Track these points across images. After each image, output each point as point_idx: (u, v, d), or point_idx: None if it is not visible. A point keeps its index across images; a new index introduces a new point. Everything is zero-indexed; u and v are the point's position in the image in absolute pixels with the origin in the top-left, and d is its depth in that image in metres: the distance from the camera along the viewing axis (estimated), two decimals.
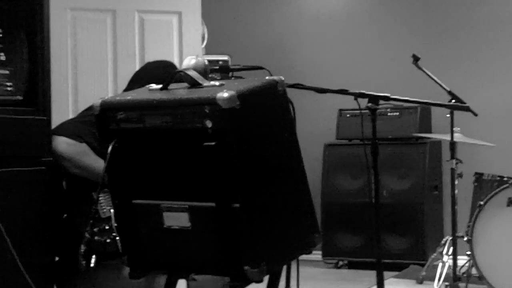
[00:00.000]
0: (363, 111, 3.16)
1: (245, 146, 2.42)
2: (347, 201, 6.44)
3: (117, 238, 3.03)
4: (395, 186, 6.30)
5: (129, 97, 2.61)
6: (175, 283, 2.76)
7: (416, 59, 4.84)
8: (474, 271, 4.78)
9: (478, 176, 5.20)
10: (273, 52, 7.07)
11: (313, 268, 6.30)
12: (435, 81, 4.83)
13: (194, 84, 2.60)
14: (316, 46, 7.18)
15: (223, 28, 7.10)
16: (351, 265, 6.48)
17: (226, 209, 2.41)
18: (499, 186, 4.78)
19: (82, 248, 2.67)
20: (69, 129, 3.22)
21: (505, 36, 6.54)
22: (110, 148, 2.57)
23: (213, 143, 2.38)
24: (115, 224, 3.02)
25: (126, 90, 3.35)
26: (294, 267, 2.97)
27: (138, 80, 3.39)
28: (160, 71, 3.41)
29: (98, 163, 3.05)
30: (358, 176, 6.42)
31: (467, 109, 4.00)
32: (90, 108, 2.97)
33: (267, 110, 2.56)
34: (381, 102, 3.18)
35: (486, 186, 5.07)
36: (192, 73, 2.61)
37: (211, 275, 2.97)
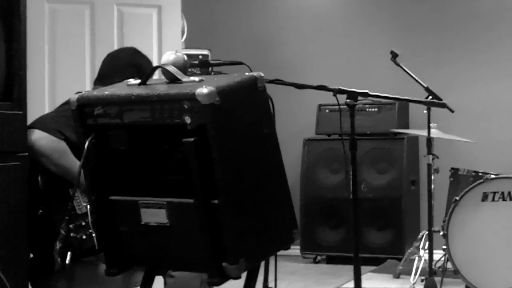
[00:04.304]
0: (342, 107, 3.17)
1: (224, 141, 2.41)
2: (326, 196, 6.46)
3: (94, 234, 3.01)
4: (373, 181, 6.33)
5: (107, 92, 2.59)
6: (152, 280, 2.75)
7: (394, 55, 4.87)
8: (449, 265, 4.81)
9: (454, 171, 5.23)
10: (253, 48, 7.06)
11: (292, 263, 6.31)
12: (412, 77, 4.86)
13: (173, 79, 2.59)
14: (296, 42, 7.18)
15: (203, 23, 7.08)
16: (330, 260, 6.50)
17: (205, 206, 2.40)
18: (474, 181, 4.81)
19: (58, 245, 2.64)
20: (49, 123, 3.17)
21: (482, 34, 6.59)
22: (87, 144, 2.55)
23: (192, 139, 2.37)
24: (92, 221, 3.00)
25: (101, 84, 3.30)
26: (273, 262, 2.98)
27: (114, 73, 3.35)
28: (136, 57, 3.40)
29: (75, 164, 3.02)
30: (337, 171, 6.44)
31: (444, 105, 4.03)
32: (68, 103, 2.95)
33: (247, 106, 2.55)
34: (359, 98, 3.19)
35: (462, 181, 5.11)
36: (171, 69, 2.60)
37: (189, 271, 2.96)
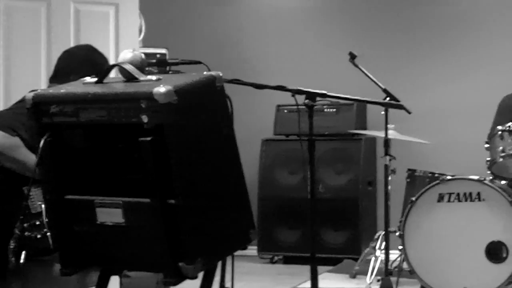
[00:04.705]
0: (300, 107, 3.17)
1: (182, 141, 2.40)
2: (284, 196, 6.47)
3: (48, 234, 2.97)
4: (331, 182, 6.36)
5: (63, 90, 2.56)
6: (107, 280, 2.73)
7: (352, 57, 4.90)
8: (405, 265, 4.85)
9: (411, 172, 5.28)
10: (212, 47, 7.04)
11: (249, 263, 6.31)
12: (370, 79, 4.89)
13: (130, 78, 2.57)
14: (255, 42, 7.18)
15: (161, 21, 7.04)
16: (287, 260, 6.52)
17: (161, 205, 2.39)
18: (430, 182, 4.85)
19: (12, 244, 2.61)
20: (2, 121, 3.14)
21: (440, 37, 6.66)
22: (42, 142, 2.52)
23: (148, 139, 2.35)
24: (46, 220, 2.97)
25: (56, 82, 3.26)
26: (230, 262, 2.97)
27: (69, 70, 3.31)
28: (92, 55, 3.37)
29: (29, 158, 2.99)
30: (295, 172, 6.45)
31: (401, 107, 4.07)
32: (23, 100, 2.91)
33: (205, 106, 2.55)
34: (318, 98, 3.20)
35: (418, 182, 5.16)
36: (129, 67, 2.58)
37: (145, 271, 2.94)
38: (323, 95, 3.22)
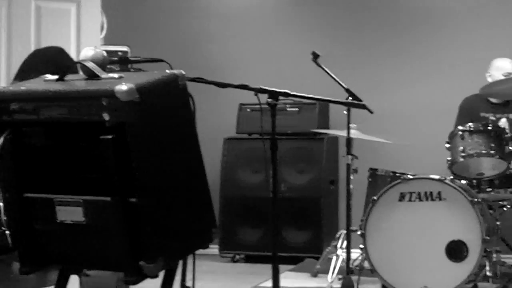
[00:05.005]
0: (263, 106, 3.18)
1: (143, 139, 2.39)
2: (246, 195, 6.47)
3: (7, 232, 2.93)
4: (293, 181, 6.38)
5: (23, 88, 2.54)
6: (67, 279, 2.70)
7: (315, 56, 4.91)
8: (366, 264, 4.88)
9: (373, 171, 5.31)
10: (175, 46, 7.01)
11: (210, 262, 6.29)
12: (333, 78, 4.91)
13: (91, 75, 2.55)
14: (218, 41, 7.16)
15: (123, 19, 6.99)
16: (248, 259, 6.52)
17: (122, 204, 2.38)
18: (392, 181, 4.88)
19: None
20: None
21: (403, 38, 6.71)
22: (1, 140, 2.49)
23: (110, 137, 2.34)
24: (5, 218, 2.93)
25: (19, 80, 3.24)
26: (191, 261, 2.96)
27: (33, 68, 3.29)
28: (57, 57, 3.34)
29: None
30: (257, 171, 6.45)
31: (363, 106, 4.08)
32: None
33: (167, 104, 2.54)
34: (280, 97, 3.20)
35: (380, 182, 5.19)
36: (90, 65, 2.56)
37: (106, 270, 2.92)
38: (286, 94, 3.23)
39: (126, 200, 2.37)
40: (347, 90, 4.82)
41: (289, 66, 6.87)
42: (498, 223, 4.91)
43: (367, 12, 6.83)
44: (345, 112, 4.93)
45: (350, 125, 4.93)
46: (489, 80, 5.58)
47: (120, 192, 2.37)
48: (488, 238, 4.52)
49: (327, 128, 6.57)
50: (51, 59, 3.33)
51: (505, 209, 5.03)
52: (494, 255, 4.75)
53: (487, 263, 4.63)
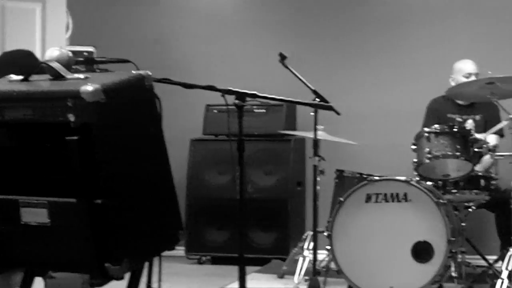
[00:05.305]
0: (230, 107, 3.17)
1: (109, 140, 2.38)
2: (212, 197, 6.45)
3: None
4: (260, 182, 6.38)
5: None
6: (31, 281, 2.68)
7: (282, 58, 4.91)
8: (333, 265, 4.89)
9: (339, 173, 5.33)
10: (141, 46, 6.97)
11: (176, 264, 6.27)
12: (300, 80, 4.92)
13: (57, 76, 2.53)
14: (185, 41, 7.14)
15: (89, 19, 6.94)
16: (215, 261, 6.50)
17: (87, 205, 2.36)
18: (358, 182, 4.91)
19: None
20: None
21: (370, 41, 6.74)
22: None
23: (75, 138, 2.32)
24: None
25: None
26: (157, 263, 2.95)
27: (1, 71, 3.25)
28: (25, 60, 3.31)
29: None
30: (224, 172, 6.44)
31: (330, 108, 4.10)
32: None
33: (133, 105, 2.52)
34: (248, 99, 3.21)
35: (346, 183, 5.20)
36: (55, 65, 2.54)
37: (71, 272, 2.90)
38: (253, 96, 3.23)
39: (92, 201, 2.35)
40: (314, 92, 4.83)
41: (256, 67, 6.87)
42: (463, 224, 4.95)
43: (333, 15, 6.85)
44: (312, 113, 4.94)
45: (317, 126, 4.95)
46: (452, 83, 5.61)
47: (85, 193, 2.35)
48: (453, 239, 4.57)
49: (294, 129, 6.58)
50: (19, 62, 3.30)
51: (470, 210, 5.07)
52: (459, 256, 4.80)
53: (452, 264, 4.68)
